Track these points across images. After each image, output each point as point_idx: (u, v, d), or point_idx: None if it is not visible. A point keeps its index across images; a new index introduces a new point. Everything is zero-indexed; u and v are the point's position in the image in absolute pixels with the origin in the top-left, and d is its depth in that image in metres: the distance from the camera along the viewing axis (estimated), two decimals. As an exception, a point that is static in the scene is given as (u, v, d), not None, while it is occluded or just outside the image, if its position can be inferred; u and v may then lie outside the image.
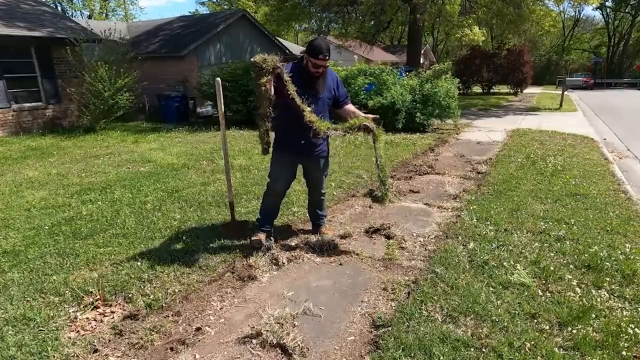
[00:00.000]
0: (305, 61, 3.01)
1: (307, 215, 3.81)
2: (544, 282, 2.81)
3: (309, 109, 2.89)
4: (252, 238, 3.37)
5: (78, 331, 2.36)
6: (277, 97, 2.87)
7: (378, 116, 3.26)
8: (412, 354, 2.12)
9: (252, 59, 2.77)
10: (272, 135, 3.12)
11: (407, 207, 4.45)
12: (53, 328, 2.37)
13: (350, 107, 3.36)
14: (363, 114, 3.22)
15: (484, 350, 2.14)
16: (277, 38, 19.09)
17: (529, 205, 4.29)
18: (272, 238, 3.42)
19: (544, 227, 3.72)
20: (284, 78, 2.81)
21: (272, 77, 2.77)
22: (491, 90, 24.09)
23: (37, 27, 10.24)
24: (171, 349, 2.23)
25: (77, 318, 2.47)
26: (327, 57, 2.95)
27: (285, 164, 3.30)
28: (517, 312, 2.45)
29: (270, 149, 3.16)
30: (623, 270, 2.93)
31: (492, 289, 2.70)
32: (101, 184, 5.30)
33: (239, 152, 7.19)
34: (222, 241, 3.47)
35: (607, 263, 3.02)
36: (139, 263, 3.11)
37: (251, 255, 3.21)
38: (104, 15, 35.20)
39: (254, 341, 2.26)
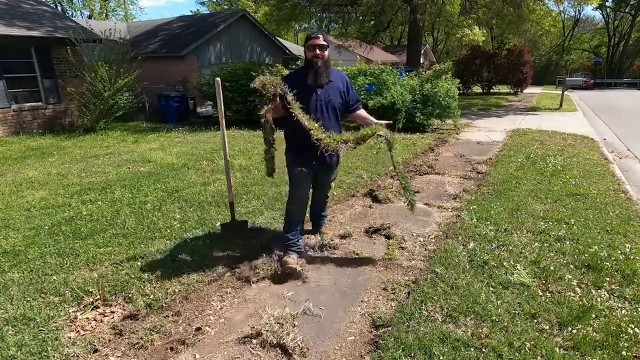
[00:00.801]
0: (305, 55, 2.97)
1: (308, 215, 3.80)
2: (544, 282, 2.81)
3: (316, 125, 2.72)
4: (287, 265, 2.95)
5: (78, 331, 2.36)
6: (285, 113, 2.79)
7: (391, 122, 3.08)
8: (412, 354, 2.12)
9: (251, 85, 2.71)
10: (279, 148, 3.03)
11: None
12: (53, 328, 2.37)
13: (361, 112, 3.21)
14: (375, 120, 3.05)
15: (484, 350, 2.14)
16: (277, 38, 19.09)
17: (529, 205, 4.29)
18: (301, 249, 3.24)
19: (544, 227, 3.72)
20: (288, 99, 2.71)
21: (273, 104, 2.71)
22: (491, 90, 24.08)
23: (37, 27, 10.24)
24: (171, 349, 2.23)
25: (77, 318, 2.47)
26: (321, 38, 2.87)
27: (303, 170, 3.05)
28: (517, 312, 2.45)
29: (276, 165, 3.06)
30: (623, 270, 2.93)
31: (492, 289, 2.70)
32: (101, 184, 5.30)
33: (239, 152, 7.19)
34: (222, 241, 3.47)
35: (607, 263, 3.02)
36: (139, 263, 3.11)
37: (254, 258, 3.21)
38: (104, 15, 35.20)
39: (254, 341, 2.27)
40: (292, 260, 2.99)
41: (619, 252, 3.21)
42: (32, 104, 10.16)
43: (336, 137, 2.72)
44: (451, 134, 9.28)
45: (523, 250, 3.26)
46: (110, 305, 2.61)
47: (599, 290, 2.70)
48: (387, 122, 3.02)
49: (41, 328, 2.37)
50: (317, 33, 2.92)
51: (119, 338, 2.32)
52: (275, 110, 2.80)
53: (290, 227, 3.19)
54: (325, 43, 2.91)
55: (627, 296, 2.63)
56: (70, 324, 2.43)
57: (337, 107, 3.03)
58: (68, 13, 32.36)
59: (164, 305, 2.61)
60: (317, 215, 3.64)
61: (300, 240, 3.27)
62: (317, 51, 2.88)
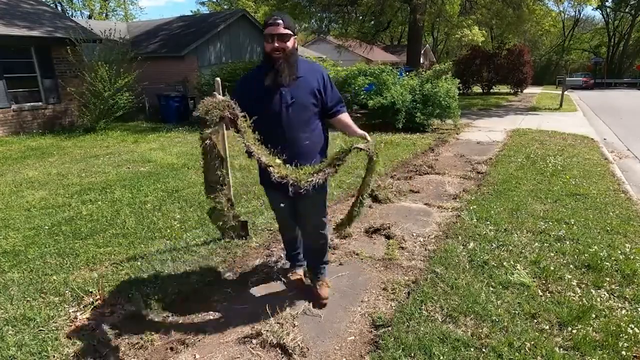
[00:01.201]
0: (263, 48, 2.27)
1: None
2: (544, 282, 2.81)
3: (277, 161, 2.04)
4: (292, 278, 2.86)
5: (78, 331, 2.36)
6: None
7: (374, 142, 2.18)
8: (412, 354, 2.12)
9: (194, 113, 2.29)
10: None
11: (407, 207, 4.45)
12: (53, 328, 2.37)
13: (343, 117, 2.40)
14: (360, 131, 2.27)
15: (484, 350, 2.14)
16: (277, 38, 19.05)
17: (529, 205, 4.29)
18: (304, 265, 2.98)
19: (544, 227, 3.72)
20: (238, 123, 2.03)
21: (220, 127, 2.10)
22: (491, 90, 24.07)
23: (37, 27, 10.24)
24: (171, 349, 2.23)
25: (77, 318, 2.47)
26: (281, 24, 2.13)
27: (277, 196, 2.52)
28: (517, 312, 2.45)
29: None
30: (623, 270, 2.93)
31: (492, 289, 2.70)
32: (101, 184, 5.30)
33: (238, 152, 7.18)
34: (222, 241, 3.47)
35: (607, 263, 3.02)
36: (139, 263, 3.11)
37: (254, 258, 3.21)
38: (104, 15, 35.19)
39: (254, 341, 2.27)
40: (298, 276, 2.87)
41: (619, 252, 3.21)
42: (32, 104, 10.15)
43: (307, 169, 2.06)
44: (451, 134, 9.28)
45: (523, 250, 3.26)
46: (110, 305, 2.61)
47: (599, 290, 2.70)
48: (362, 132, 2.25)
49: (41, 328, 2.37)
50: (276, 17, 2.16)
51: (119, 338, 2.32)
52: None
53: (287, 249, 2.99)
54: (287, 31, 2.16)
55: (627, 296, 2.63)
56: (70, 324, 2.43)
57: (311, 109, 2.30)
58: (68, 13, 32.36)
59: (164, 305, 2.61)
60: (309, 259, 2.84)
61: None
62: (276, 43, 2.14)
